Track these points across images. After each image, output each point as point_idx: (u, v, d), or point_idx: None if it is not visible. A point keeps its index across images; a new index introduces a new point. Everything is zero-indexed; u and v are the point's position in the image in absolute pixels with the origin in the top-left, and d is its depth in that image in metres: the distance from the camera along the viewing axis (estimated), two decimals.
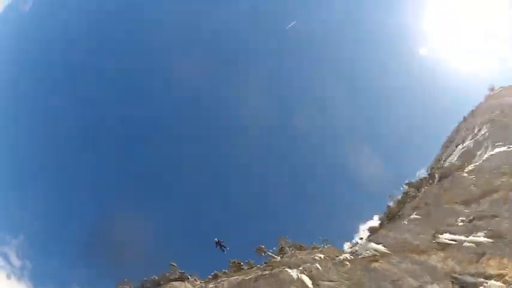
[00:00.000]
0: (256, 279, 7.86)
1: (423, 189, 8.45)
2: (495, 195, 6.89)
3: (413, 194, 8.39)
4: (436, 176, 8.84)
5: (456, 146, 17.90)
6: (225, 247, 12.28)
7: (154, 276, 11.14)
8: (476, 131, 17.55)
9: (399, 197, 8.57)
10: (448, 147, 20.19)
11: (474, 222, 6.42)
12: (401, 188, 8.90)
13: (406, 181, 8.96)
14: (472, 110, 27.00)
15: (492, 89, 31.42)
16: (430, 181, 8.78)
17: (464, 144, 16.11)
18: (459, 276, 5.36)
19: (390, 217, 7.78)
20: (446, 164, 13.40)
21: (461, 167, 9.63)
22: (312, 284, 6.71)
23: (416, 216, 7.27)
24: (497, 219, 6.11)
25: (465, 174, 8.63)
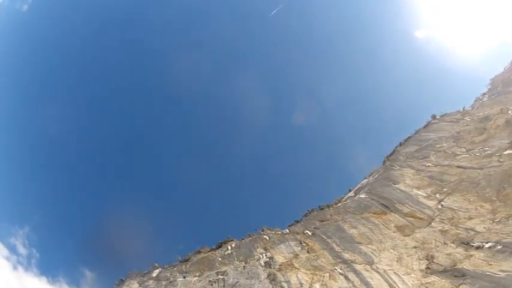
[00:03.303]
0: (255, 238, 24.39)
1: (314, 212, 24.05)
2: (325, 222, 21.96)
3: (308, 213, 24.07)
4: (319, 207, 24.27)
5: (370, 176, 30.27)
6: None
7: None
8: (380, 169, 29.37)
9: (304, 213, 24.26)
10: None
11: (314, 229, 21.88)
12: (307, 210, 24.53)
13: (307, 209, 24.49)
14: (409, 137, 30.92)
15: (434, 118, 30.60)
16: (319, 208, 24.24)
17: (367, 179, 29.31)
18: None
19: (297, 221, 23.70)
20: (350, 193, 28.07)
21: (337, 202, 24.59)
22: (268, 239, 23.08)
23: (303, 222, 23.07)
24: (318, 228, 21.55)
25: (330, 209, 23.52)
